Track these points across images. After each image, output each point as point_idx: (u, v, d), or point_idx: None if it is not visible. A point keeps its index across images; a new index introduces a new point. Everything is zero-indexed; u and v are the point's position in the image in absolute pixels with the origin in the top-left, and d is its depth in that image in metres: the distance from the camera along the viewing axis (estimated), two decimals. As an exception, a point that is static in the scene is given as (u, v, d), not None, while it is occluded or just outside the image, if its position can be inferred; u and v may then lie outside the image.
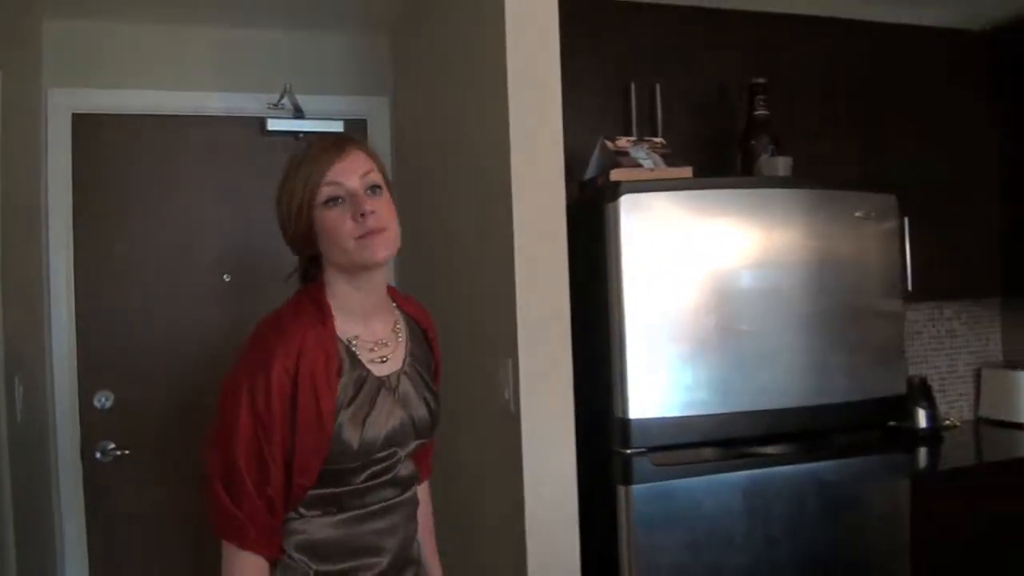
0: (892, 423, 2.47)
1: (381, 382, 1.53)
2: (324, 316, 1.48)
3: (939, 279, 3.11)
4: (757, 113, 2.72)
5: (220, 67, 3.16)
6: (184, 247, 3.11)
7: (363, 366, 1.52)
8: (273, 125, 3.16)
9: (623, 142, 2.45)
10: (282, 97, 3.11)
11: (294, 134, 3.20)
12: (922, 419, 3.23)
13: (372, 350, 1.54)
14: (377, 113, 3.36)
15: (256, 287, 3.00)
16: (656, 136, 2.68)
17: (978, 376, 3.66)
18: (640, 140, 2.48)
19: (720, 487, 2.24)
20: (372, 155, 1.55)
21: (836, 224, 2.41)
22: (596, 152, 2.47)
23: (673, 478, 2.21)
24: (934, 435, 3.25)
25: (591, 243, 2.27)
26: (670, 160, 2.44)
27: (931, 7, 3.30)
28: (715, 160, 2.83)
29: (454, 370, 2.51)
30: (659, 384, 2.22)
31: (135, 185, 3.11)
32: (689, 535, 2.21)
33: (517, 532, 2.18)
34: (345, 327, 1.52)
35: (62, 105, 3.02)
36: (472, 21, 2.46)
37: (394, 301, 1.67)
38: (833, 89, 3.04)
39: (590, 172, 2.50)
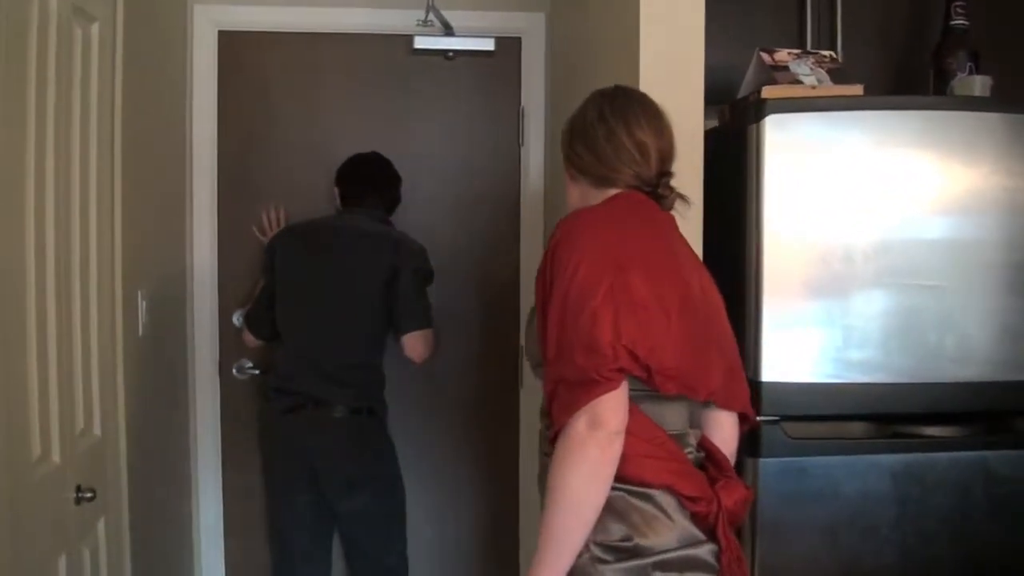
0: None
1: None
2: None
3: None
4: (955, 23, 2.25)
5: (366, -20, 3.01)
6: (327, 167, 2.99)
7: None
8: (421, 43, 2.96)
9: (783, 55, 2.08)
10: (428, 14, 2.91)
11: (443, 53, 3.02)
12: None
13: None
14: (533, 30, 3.10)
15: (400, 206, 2.88)
16: (834, 51, 2.29)
17: None
18: (804, 53, 2.10)
19: (866, 469, 1.91)
20: None
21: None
22: (752, 66, 2.12)
23: (810, 454, 1.90)
24: None
25: (727, 173, 1.95)
26: (838, 76, 2.06)
27: None
28: (902, 82, 2.40)
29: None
30: (800, 343, 1.90)
31: (279, 104, 3.04)
32: (825, 520, 1.91)
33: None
34: None
35: (207, 21, 2.97)
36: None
37: None
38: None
39: (744, 90, 2.15)
